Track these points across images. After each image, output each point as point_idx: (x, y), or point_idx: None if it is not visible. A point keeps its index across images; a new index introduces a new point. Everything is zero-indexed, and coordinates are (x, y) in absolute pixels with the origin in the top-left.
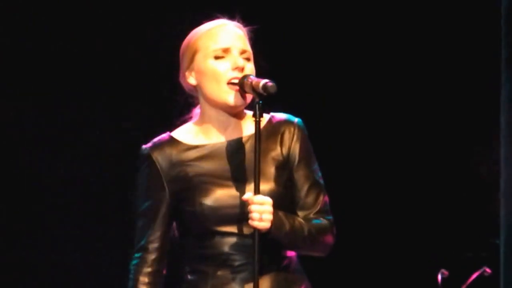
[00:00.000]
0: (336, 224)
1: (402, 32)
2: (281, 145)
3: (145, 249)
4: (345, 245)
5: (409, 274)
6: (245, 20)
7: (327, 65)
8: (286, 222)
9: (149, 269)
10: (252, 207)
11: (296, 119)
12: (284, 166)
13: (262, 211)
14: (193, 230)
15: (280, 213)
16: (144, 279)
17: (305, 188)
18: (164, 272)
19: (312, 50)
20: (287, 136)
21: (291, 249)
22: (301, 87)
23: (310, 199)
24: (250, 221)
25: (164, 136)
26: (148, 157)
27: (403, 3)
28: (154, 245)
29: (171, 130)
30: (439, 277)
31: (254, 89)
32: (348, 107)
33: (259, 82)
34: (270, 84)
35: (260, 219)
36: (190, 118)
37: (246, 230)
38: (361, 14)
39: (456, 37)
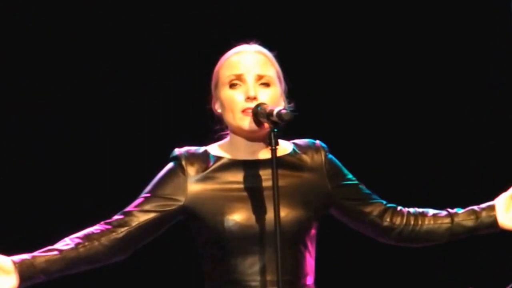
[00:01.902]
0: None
1: (424, 33)
2: (313, 171)
3: (116, 220)
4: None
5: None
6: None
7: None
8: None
9: (97, 232)
10: None
11: (317, 142)
12: (320, 190)
13: None
14: (213, 251)
15: None
16: (86, 234)
17: (368, 202)
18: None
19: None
20: (316, 160)
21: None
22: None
23: (378, 205)
24: None
25: (199, 148)
26: (179, 160)
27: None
28: (126, 220)
29: (206, 145)
30: None
31: (268, 117)
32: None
33: (272, 111)
34: (284, 111)
35: None
36: (224, 136)
37: (267, 253)
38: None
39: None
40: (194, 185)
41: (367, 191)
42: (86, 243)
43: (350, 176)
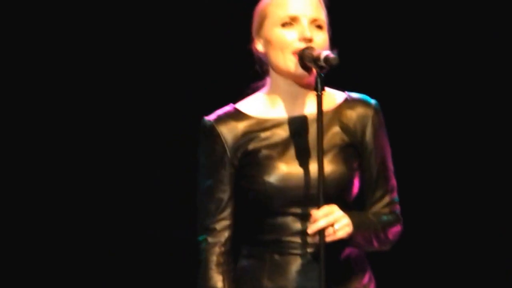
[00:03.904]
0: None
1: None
2: (356, 128)
3: (214, 230)
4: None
5: None
6: None
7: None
8: (363, 222)
9: (221, 249)
10: (320, 223)
11: (373, 102)
12: (356, 149)
13: (332, 221)
14: (253, 211)
15: (355, 214)
16: (217, 259)
17: (376, 180)
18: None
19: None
20: (363, 119)
21: (362, 247)
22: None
23: (380, 192)
24: (326, 238)
25: (228, 108)
26: (212, 129)
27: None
28: (223, 225)
29: (235, 102)
30: None
31: (315, 61)
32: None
33: (320, 54)
34: (331, 56)
35: (335, 231)
36: (261, 87)
37: (309, 215)
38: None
39: None
40: (233, 149)
41: (385, 177)
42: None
43: (384, 150)
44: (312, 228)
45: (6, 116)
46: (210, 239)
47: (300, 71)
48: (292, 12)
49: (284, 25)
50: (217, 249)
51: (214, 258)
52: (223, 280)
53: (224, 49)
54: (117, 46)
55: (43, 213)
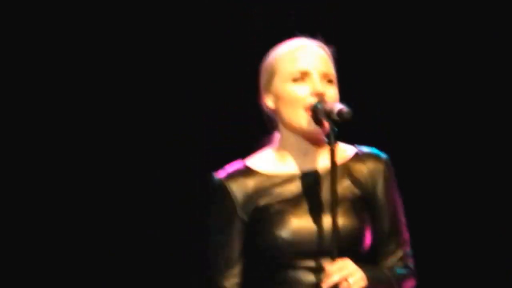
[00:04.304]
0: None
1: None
2: (367, 182)
3: None
4: None
5: None
6: (328, 40)
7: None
8: (377, 277)
9: None
10: (334, 278)
11: (384, 156)
12: (368, 202)
13: (346, 275)
14: (266, 265)
15: (369, 268)
16: None
17: (388, 233)
18: None
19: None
20: (374, 173)
21: None
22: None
23: (393, 245)
24: None
25: (238, 164)
26: (222, 187)
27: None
28: (232, 282)
29: (243, 158)
30: None
31: (328, 116)
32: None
33: (333, 108)
34: (345, 110)
35: (349, 286)
36: (269, 142)
37: (321, 268)
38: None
39: None
40: (244, 207)
41: (397, 231)
42: None
43: (395, 204)
44: (327, 283)
45: (6, 116)
46: None
47: (313, 126)
48: (303, 67)
49: (295, 80)
50: None
51: None
52: None
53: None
54: (117, 46)
55: (43, 213)
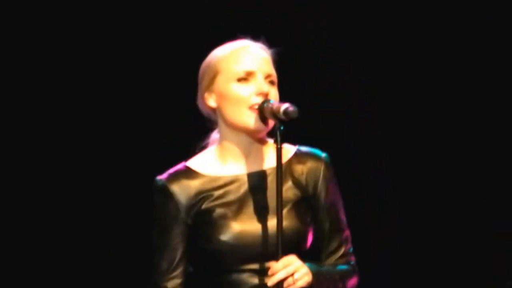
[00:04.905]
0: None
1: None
2: (307, 182)
3: None
4: None
5: None
6: (269, 42)
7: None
8: (322, 272)
9: None
10: (279, 275)
11: (323, 155)
12: (309, 203)
13: (291, 271)
14: (210, 268)
15: (313, 264)
16: None
17: (329, 232)
18: None
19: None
20: (314, 173)
21: None
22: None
23: (335, 244)
24: None
25: (180, 166)
26: (165, 189)
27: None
28: (174, 283)
29: (186, 160)
30: None
31: (274, 115)
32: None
33: (279, 107)
34: (291, 109)
35: (295, 281)
36: (207, 144)
37: (266, 270)
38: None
39: None
40: (186, 208)
41: (339, 229)
42: None
43: (336, 203)
44: (272, 281)
45: (6, 116)
46: None
47: (259, 124)
48: (248, 67)
49: (239, 80)
50: None
51: None
52: None
53: None
54: (117, 46)
55: (43, 213)
